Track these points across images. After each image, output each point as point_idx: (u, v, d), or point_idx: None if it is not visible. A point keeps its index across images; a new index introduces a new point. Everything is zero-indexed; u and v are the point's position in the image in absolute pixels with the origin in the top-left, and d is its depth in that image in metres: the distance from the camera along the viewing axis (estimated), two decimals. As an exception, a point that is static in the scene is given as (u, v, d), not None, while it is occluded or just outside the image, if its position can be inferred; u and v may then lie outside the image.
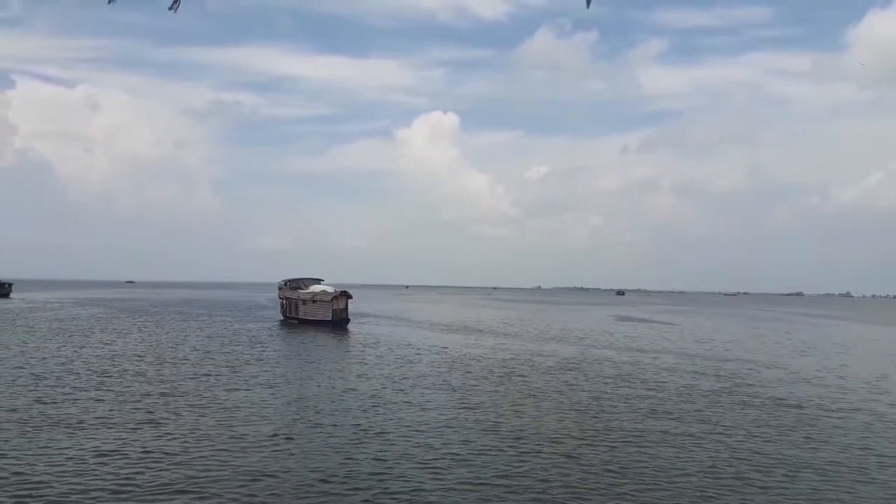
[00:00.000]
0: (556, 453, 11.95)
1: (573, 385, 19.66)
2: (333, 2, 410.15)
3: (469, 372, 21.98)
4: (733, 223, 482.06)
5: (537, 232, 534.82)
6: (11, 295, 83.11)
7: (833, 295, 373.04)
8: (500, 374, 21.49)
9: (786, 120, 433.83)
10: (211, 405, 15.61)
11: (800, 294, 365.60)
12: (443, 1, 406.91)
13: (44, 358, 23.47)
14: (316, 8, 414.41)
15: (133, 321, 43.90)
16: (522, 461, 11.39)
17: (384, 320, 51.13)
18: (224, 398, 16.53)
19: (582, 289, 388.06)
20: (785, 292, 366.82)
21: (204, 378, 19.71)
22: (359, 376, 20.71)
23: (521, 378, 20.86)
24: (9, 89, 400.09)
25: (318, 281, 52.53)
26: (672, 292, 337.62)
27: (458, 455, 11.71)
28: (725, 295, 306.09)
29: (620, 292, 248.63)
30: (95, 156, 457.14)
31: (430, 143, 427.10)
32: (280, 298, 52.23)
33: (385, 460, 11.31)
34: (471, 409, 15.84)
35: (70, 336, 31.82)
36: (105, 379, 19.11)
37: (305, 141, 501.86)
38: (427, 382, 19.67)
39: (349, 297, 45.07)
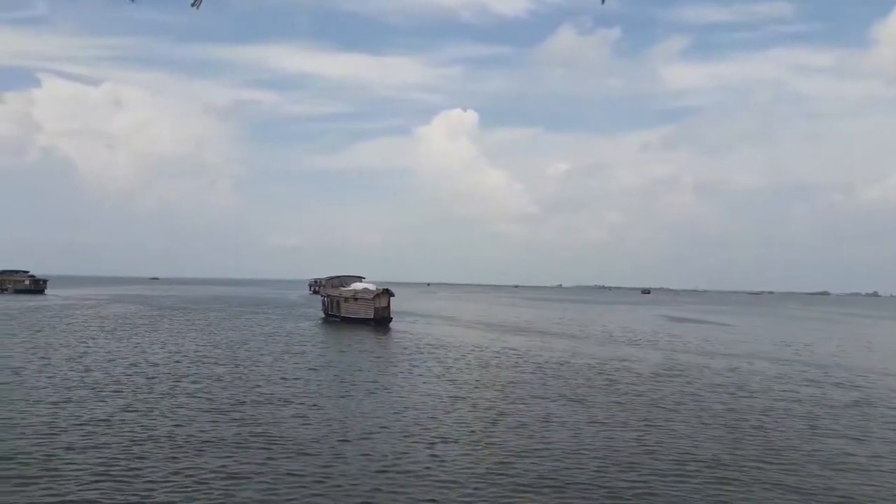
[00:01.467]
0: (751, 482, 10.35)
1: (694, 395, 18.00)
2: (353, 0, 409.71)
3: (563, 378, 20.41)
4: (755, 221, 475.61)
5: (556, 229, 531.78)
6: (46, 291, 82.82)
7: (860, 294, 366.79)
8: (603, 383, 19.84)
9: (808, 117, 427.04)
10: (333, 416, 14.27)
11: (825, 293, 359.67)
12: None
13: (111, 360, 22.27)
14: (335, 6, 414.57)
15: (183, 320, 42.85)
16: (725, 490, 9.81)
17: (426, 319, 49.81)
18: (331, 406, 15.18)
19: (604, 287, 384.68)
20: (810, 291, 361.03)
21: (293, 382, 18.68)
22: (451, 388, 19.26)
23: (630, 386, 19.23)
24: (34, 87, 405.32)
25: (359, 278, 51.56)
26: (695, 291, 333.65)
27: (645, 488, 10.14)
28: (750, 294, 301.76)
29: (646, 291, 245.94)
30: (118, 153, 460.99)
31: (448, 141, 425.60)
32: (322, 296, 51.37)
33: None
34: (605, 424, 14.26)
35: (129, 336, 30.70)
36: (208, 387, 17.83)
37: (324, 138, 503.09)
38: (528, 391, 18.16)
39: (391, 294, 43.93)
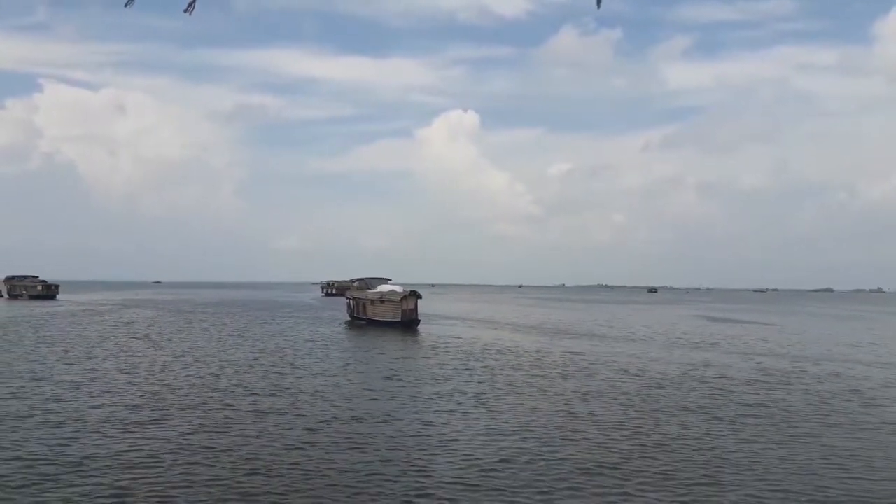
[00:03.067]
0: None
1: (830, 405, 16.57)
2: (354, 3, 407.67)
3: (666, 387, 18.91)
4: (758, 220, 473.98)
5: (559, 230, 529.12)
6: (58, 297, 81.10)
7: (863, 290, 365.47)
8: (714, 392, 18.31)
9: (812, 115, 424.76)
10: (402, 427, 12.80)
11: (829, 290, 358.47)
12: (463, 0, 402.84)
13: (164, 370, 20.80)
14: (336, 9, 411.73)
15: (213, 325, 41.40)
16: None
17: (451, 321, 48.37)
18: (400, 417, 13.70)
19: (606, 286, 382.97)
20: (814, 288, 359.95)
21: (366, 394, 17.38)
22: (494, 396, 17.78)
23: (750, 396, 17.77)
24: (36, 93, 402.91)
25: (385, 280, 50.31)
26: (699, 289, 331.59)
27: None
28: (756, 291, 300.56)
29: (653, 290, 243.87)
30: (120, 159, 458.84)
31: (450, 142, 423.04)
32: (346, 298, 50.13)
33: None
34: (760, 442, 12.81)
35: (168, 345, 29.25)
36: (292, 402, 16.38)
37: (327, 142, 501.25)
38: (640, 404, 16.75)
39: (418, 297, 42.60)
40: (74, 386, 17.52)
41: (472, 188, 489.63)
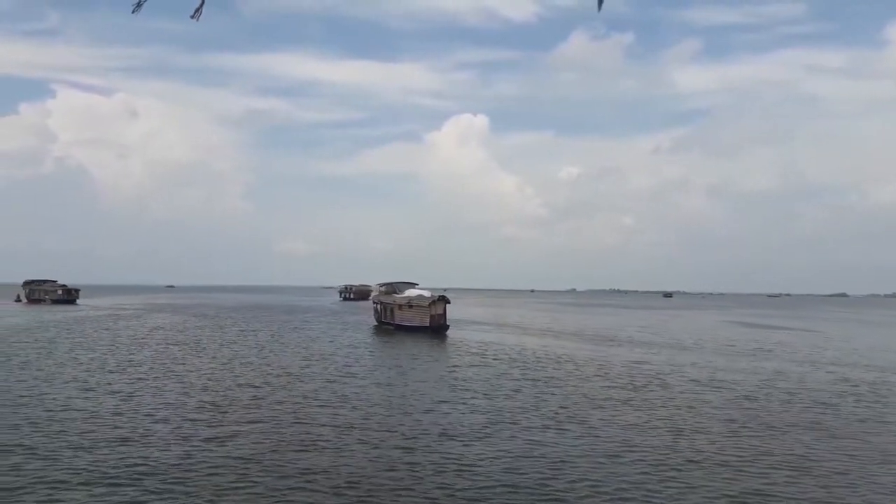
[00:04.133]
0: None
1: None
2: (361, 7, 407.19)
3: (705, 395, 17.75)
4: (768, 223, 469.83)
5: (568, 233, 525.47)
6: (78, 301, 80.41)
7: (879, 295, 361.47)
8: (780, 404, 17.18)
9: (820, 118, 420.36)
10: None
11: (843, 295, 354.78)
12: (470, 3, 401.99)
13: (214, 378, 19.73)
14: (344, 13, 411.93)
15: (245, 330, 40.38)
16: None
17: (478, 326, 47.18)
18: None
19: (618, 291, 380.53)
20: (828, 293, 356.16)
21: (399, 399, 16.21)
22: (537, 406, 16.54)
23: (832, 408, 16.57)
24: (49, 99, 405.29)
25: (412, 285, 49.49)
26: (711, 294, 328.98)
27: None
28: (769, 296, 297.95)
29: (668, 294, 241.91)
30: (131, 162, 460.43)
31: (459, 146, 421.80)
32: (373, 303, 49.18)
33: None
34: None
35: (200, 351, 28.29)
36: (366, 414, 15.27)
37: (334, 145, 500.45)
38: (737, 422, 15.54)
39: (447, 301, 41.44)
40: (128, 396, 16.50)
41: (481, 191, 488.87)
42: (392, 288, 48.71)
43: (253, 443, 12.19)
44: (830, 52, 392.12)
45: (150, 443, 12.03)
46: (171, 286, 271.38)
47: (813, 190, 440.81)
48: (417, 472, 10.54)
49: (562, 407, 16.12)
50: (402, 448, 11.97)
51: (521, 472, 10.62)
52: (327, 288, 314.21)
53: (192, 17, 4.76)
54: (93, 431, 12.78)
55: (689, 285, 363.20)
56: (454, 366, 23.93)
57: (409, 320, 41.87)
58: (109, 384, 18.38)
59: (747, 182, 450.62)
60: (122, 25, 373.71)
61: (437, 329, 39.69)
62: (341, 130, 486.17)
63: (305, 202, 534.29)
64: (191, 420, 14.00)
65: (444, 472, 10.56)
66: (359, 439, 12.56)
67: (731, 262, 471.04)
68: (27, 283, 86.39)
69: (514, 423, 14.17)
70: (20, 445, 11.67)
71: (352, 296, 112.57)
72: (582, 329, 46.54)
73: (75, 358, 24.21)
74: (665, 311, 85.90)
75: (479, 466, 10.90)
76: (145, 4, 4.68)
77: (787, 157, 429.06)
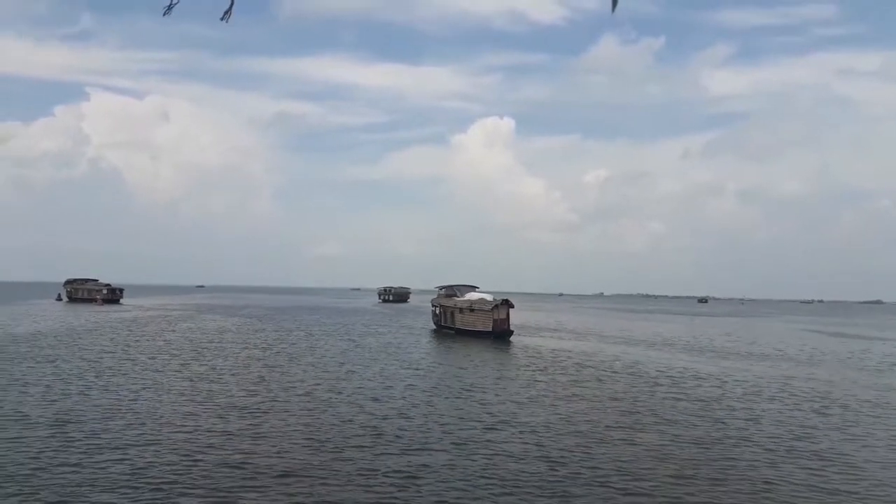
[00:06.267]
0: None
1: None
2: (389, 10, 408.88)
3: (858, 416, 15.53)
4: (800, 229, 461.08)
5: (595, 238, 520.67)
6: (122, 301, 79.79)
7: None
8: None
9: (854, 121, 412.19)
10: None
11: (879, 302, 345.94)
12: (498, 6, 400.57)
13: (294, 382, 18.01)
14: (373, 17, 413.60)
15: (301, 333, 39.11)
16: None
17: (537, 332, 45.36)
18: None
19: (646, 295, 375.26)
20: (862, 300, 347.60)
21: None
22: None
23: None
24: (83, 101, 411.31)
25: (473, 288, 47.60)
26: (743, 300, 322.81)
27: None
28: (802, 302, 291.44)
29: (703, 300, 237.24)
30: (163, 165, 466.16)
31: (485, 149, 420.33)
32: (432, 306, 47.76)
33: None
34: None
35: (286, 358, 26.74)
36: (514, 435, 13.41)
37: (362, 149, 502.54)
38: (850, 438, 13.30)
39: (511, 305, 39.51)
40: (250, 413, 14.83)
41: (508, 195, 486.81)
42: (452, 291, 46.87)
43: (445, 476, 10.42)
44: (864, 54, 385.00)
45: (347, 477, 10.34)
46: (202, 286, 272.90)
47: (846, 194, 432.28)
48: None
49: (721, 431, 14.07)
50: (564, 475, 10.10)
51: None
52: (356, 289, 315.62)
53: (223, 18, 4.71)
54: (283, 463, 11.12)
55: (718, 291, 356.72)
56: (554, 378, 21.92)
57: (471, 325, 40.42)
58: (216, 396, 16.75)
59: (779, 187, 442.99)
60: (154, 29, 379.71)
61: (500, 335, 37.97)
62: (370, 134, 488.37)
63: (334, 205, 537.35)
64: (371, 450, 12.27)
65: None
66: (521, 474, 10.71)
67: (761, 267, 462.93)
68: (69, 282, 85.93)
69: (663, 445, 12.22)
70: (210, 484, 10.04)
71: (391, 297, 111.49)
72: (652, 337, 44.15)
73: (158, 360, 22.74)
74: (721, 319, 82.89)
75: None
76: (176, 7, 4.56)
77: (821, 162, 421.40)
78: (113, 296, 78.57)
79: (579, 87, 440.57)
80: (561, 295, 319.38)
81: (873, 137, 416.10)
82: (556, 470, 10.78)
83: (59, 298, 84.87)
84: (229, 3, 4.92)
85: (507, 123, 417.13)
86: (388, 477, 10.28)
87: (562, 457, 11.61)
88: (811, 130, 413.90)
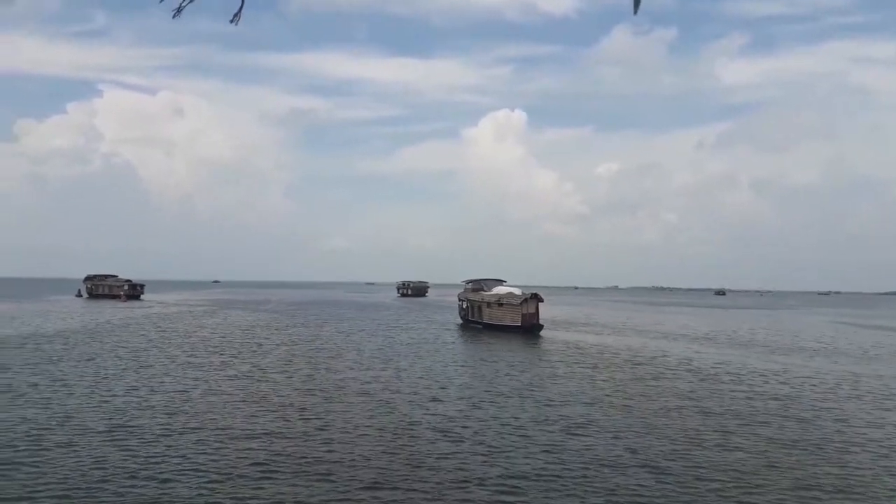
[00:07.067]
0: None
1: None
2: (399, 3, 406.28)
3: None
4: (815, 219, 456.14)
5: (608, 230, 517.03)
6: (142, 297, 79.50)
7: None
8: None
9: (870, 110, 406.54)
10: None
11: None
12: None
13: (342, 382, 17.17)
14: (382, 10, 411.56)
15: (332, 330, 38.40)
16: None
17: (564, 326, 44.26)
18: None
19: (661, 288, 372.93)
20: (880, 291, 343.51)
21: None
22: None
23: None
24: (96, 98, 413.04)
25: (500, 282, 46.98)
26: (762, 292, 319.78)
27: None
28: (819, 294, 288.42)
29: (720, 292, 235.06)
30: (175, 160, 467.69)
31: (496, 142, 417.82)
32: (459, 300, 47.26)
33: None
34: None
35: (331, 354, 26.04)
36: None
37: (373, 143, 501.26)
38: None
39: (540, 300, 38.62)
40: (314, 415, 14.03)
41: (520, 188, 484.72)
42: (479, 285, 46.22)
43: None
44: (880, 42, 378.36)
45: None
46: (217, 281, 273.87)
47: (863, 184, 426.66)
48: None
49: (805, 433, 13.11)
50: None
51: None
52: (370, 284, 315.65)
53: (232, 21, 4.85)
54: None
55: (733, 283, 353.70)
56: (608, 374, 20.97)
57: (500, 319, 39.75)
58: (285, 397, 15.96)
59: (794, 177, 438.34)
60: (166, 26, 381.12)
61: (529, 329, 37.26)
62: (380, 128, 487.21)
63: (346, 200, 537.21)
64: (455, 457, 11.42)
65: None
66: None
67: (777, 258, 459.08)
68: (89, 279, 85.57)
69: (772, 453, 11.24)
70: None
71: (409, 292, 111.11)
72: (687, 330, 43.04)
73: (198, 357, 22.01)
74: (749, 312, 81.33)
75: None
76: (187, 8, 4.67)
77: (836, 151, 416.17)
78: (134, 291, 78.18)
79: (591, 78, 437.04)
80: (576, 288, 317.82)
81: (890, 126, 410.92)
82: (665, 481, 9.86)
83: (79, 294, 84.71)
84: (239, 4, 4.91)
85: (519, 116, 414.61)
86: (483, 488, 9.43)
87: (664, 465, 10.69)
88: (826, 120, 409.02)
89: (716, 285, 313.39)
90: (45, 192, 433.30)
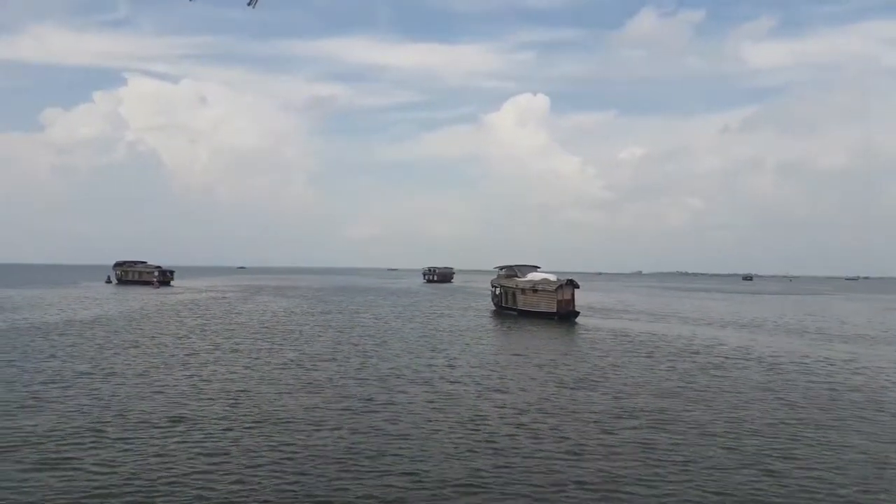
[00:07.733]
0: None
1: None
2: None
3: None
4: (843, 203, 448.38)
5: (633, 216, 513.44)
6: (172, 283, 79.78)
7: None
8: None
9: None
10: None
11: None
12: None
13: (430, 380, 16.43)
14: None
15: (369, 316, 37.89)
16: None
17: (602, 313, 43.31)
18: None
19: (686, 273, 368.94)
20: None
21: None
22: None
23: None
24: (121, 86, 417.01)
25: (534, 268, 46.13)
26: (790, 277, 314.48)
27: None
28: (847, 279, 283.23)
29: (748, 277, 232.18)
30: (200, 148, 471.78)
31: (519, 127, 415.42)
32: (493, 286, 46.68)
33: None
34: None
35: (378, 341, 25.31)
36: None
37: (395, 129, 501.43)
38: None
39: (575, 286, 37.78)
40: (382, 406, 13.32)
41: (542, 173, 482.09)
42: (513, 271, 45.39)
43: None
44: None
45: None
46: (243, 267, 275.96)
47: (892, 167, 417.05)
48: None
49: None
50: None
51: None
52: (392, 270, 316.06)
53: (249, 4, 4.91)
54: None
55: (759, 268, 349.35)
56: (665, 363, 20.00)
57: (534, 306, 39.00)
58: (342, 388, 15.29)
59: (822, 161, 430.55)
60: (189, 14, 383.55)
61: (564, 315, 36.53)
62: (403, 114, 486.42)
63: (368, 186, 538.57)
64: (557, 459, 10.65)
65: None
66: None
67: (804, 243, 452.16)
68: (118, 265, 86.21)
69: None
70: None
71: (435, 278, 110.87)
72: (736, 316, 41.73)
73: (256, 349, 21.44)
74: (786, 297, 79.31)
75: None
76: None
77: (865, 134, 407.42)
78: (164, 278, 78.52)
79: (616, 62, 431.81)
80: (599, 274, 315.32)
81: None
82: (785, 485, 8.97)
83: (109, 281, 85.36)
84: None
85: (542, 101, 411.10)
86: (584, 490, 8.62)
87: (776, 467, 9.80)
88: (856, 102, 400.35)
89: (741, 270, 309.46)
90: (71, 180, 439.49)
